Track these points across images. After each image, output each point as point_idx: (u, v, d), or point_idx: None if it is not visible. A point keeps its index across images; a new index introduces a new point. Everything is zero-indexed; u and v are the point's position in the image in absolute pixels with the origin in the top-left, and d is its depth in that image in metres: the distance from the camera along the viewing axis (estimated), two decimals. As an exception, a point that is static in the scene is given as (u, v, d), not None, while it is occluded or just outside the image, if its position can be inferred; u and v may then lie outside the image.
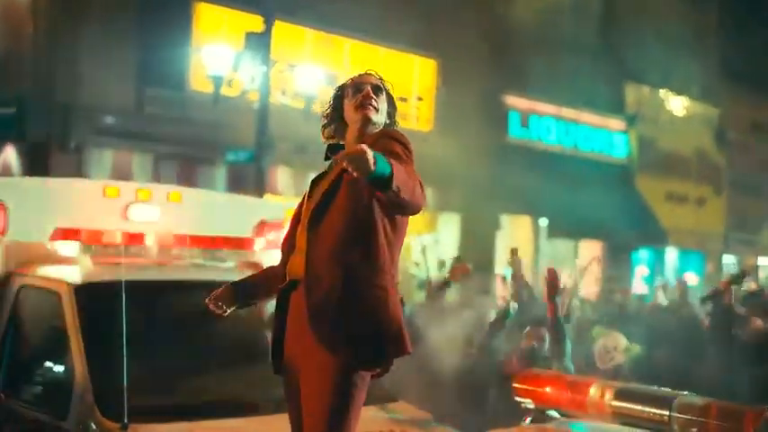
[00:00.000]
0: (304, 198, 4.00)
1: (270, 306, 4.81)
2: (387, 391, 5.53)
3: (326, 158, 4.03)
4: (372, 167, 3.21)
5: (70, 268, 5.90)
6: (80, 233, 5.99)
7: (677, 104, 28.11)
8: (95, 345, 5.31)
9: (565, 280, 7.92)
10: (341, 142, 4.00)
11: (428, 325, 7.43)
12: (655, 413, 4.80)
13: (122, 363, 4.90)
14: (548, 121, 24.05)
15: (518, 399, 5.54)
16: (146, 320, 5.63)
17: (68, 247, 6.03)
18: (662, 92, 27.66)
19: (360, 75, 4.01)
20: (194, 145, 16.48)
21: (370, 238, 3.73)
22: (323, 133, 4.06)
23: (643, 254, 27.13)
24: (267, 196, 14.99)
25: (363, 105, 3.88)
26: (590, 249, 24.16)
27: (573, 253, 24.12)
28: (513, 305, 7.86)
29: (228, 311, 4.18)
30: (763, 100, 30.34)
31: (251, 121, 14.86)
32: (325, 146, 4.07)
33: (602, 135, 25.62)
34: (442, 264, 18.67)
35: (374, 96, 3.91)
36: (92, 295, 5.58)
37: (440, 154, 16.08)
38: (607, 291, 16.29)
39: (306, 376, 3.75)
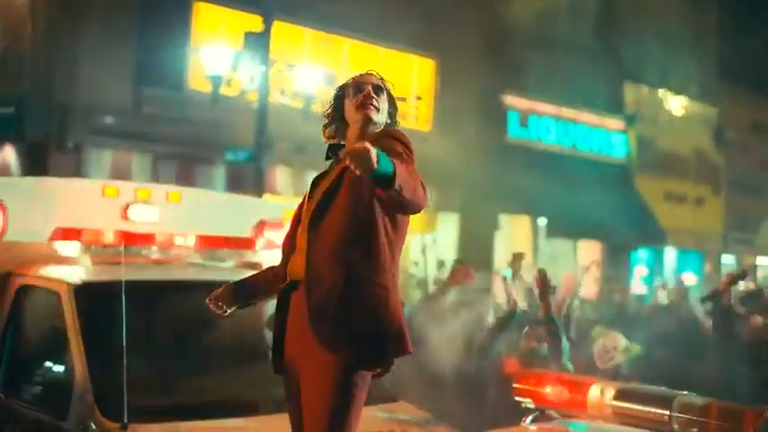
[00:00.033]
0: (304, 198, 4.00)
1: (270, 306, 4.82)
2: (387, 391, 5.52)
3: (327, 158, 4.03)
4: (375, 165, 3.21)
5: (70, 268, 5.90)
6: (80, 233, 5.98)
7: (676, 104, 28.13)
8: (95, 345, 5.31)
9: (567, 282, 7.94)
10: (342, 142, 4.00)
11: (428, 325, 7.43)
12: (655, 413, 4.81)
13: (122, 363, 4.89)
14: (547, 121, 24.05)
15: (518, 399, 5.55)
16: (145, 320, 5.62)
17: (68, 247, 6.03)
18: (661, 92, 27.67)
19: (361, 75, 4.01)
20: (193, 145, 16.48)
21: (371, 237, 3.73)
22: (324, 133, 4.06)
23: (642, 254, 27.14)
24: (266, 196, 14.98)
25: (364, 105, 3.88)
26: (589, 249, 24.17)
27: (572, 253, 24.13)
28: (522, 307, 7.87)
29: (229, 311, 4.18)
30: (762, 100, 30.37)
31: (250, 121, 14.86)
32: (326, 146, 4.07)
33: (601, 135, 25.62)
34: (441, 264, 18.73)
35: (375, 96, 3.90)
36: (91, 295, 5.57)
37: (439, 154, 16.07)
38: (606, 291, 16.30)
39: (306, 376, 3.75)
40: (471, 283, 9.45)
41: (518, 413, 5.52)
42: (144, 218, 6.27)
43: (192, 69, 16.41)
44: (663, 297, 12.09)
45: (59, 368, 5.56)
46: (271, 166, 16.53)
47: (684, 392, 4.86)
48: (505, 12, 20.55)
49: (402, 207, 3.58)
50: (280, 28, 16.04)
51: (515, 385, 5.57)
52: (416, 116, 20.41)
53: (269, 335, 4.95)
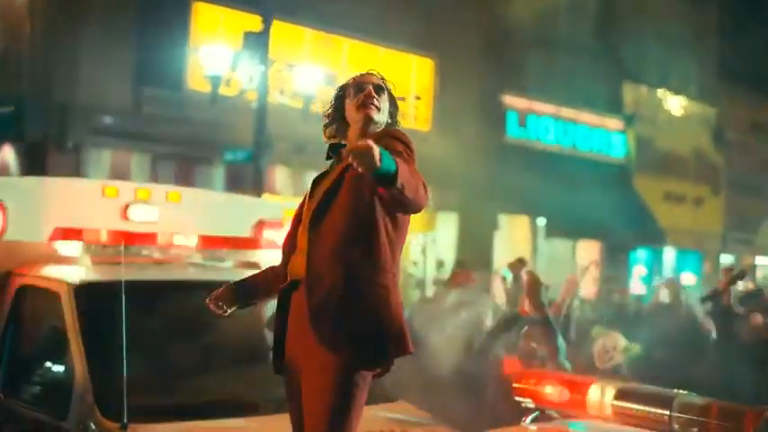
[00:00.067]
0: (305, 198, 4.00)
1: (270, 306, 4.82)
2: (387, 390, 5.52)
3: (328, 158, 4.04)
4: (378, 163, 3.21)
5: (70, 268, 5.89)
6: (79, 233, 5.98)
7: (675, 104, 28.14)
8: (95, 345, 5.30)
9: (567, 282, 7.94)
10: (342, 142, 4.00)
11: (428, 325, 7.44)
12: (655, 413, 4.81)
13: (122, 363, 4.89)
14: (546, 121, 24.06)
15: (518, 399, 5.54)
16: (145, 320, 5.61)
17: (68, 247, 6.02)
18: (660, 92, 27.69)
19: (361, 74, 4.01)
20: (192, 145, 16.48)
21: (372, 236, 3.73)
22: (324, 133, 4.06)
23: (641, 253, 27.15)
24: (265, 196, 14.98)
25: (365, 105, 3.88)
26: (588, 249, 24.18)
27: (571, 253, 24.14)
28: (530, 306, 7.86)
29: (229, 311, 4.18)
30: (762, 100, 30.38)
31: (249, 121, 14.86)
32: (326, 145, 4.07)
33: (601, 135, 25.64)
34: (440, 264, 18.76)
35: (376, 96, 3.90)
36: (91, 295, 5.56)
37: (438, 153, 16.07)
38: (605, 291, 16.32)
39: (307, 376, 3.75)
40: (471, 286, 9.48)
41: (518, 413, 5.52)
42: (144, 218, 6.27)
43: (192, 69, 16.41)
44: (664, 296, 12.08)
45: (59, 368, 5.56)
46: (270, 166, 16.53)
47: (684, 392, 4.85)
48: (505, 12, 20.56)
49: (403, 206, 3.58)
50: (279, 28, 16.03)
51: (515, 385, 5.56)
52: (415, 116, 20.41)
53: (269, 335, 4.96)
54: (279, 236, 6.21)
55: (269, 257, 6.10)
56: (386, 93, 3.98)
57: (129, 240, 6.09)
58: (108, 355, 5.08)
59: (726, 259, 29.46)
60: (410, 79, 20.55)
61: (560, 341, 6.90)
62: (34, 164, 14.95)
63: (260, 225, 6.74)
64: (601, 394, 5.06)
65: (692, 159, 29.09)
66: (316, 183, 3.98)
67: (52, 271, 5.86)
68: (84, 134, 15.64)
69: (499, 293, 11.49)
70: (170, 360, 5.59)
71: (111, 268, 5.73)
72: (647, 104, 27.13)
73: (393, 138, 3.72)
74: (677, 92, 27.89)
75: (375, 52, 19.58)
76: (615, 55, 24.47)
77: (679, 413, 4.69)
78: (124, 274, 5.27)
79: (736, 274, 10.93)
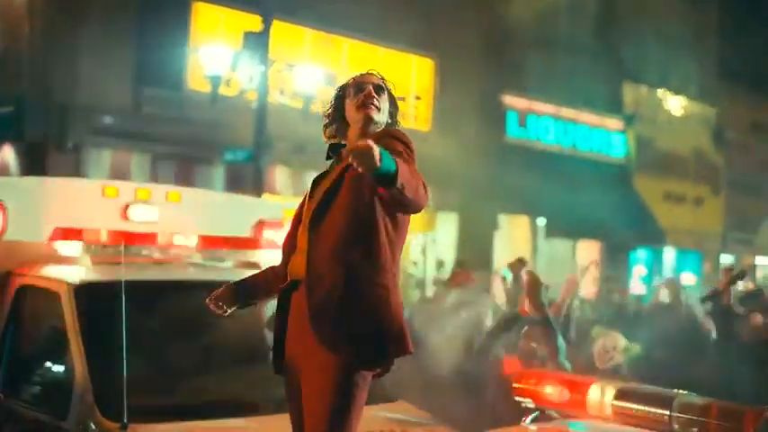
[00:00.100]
0: (305, 198, 3.99)
1: (270, 306, 4.81)
2: (387, 390, 5.52)
3: (328, 158, 4.04)
4: (378, 163, 3.21)
5: (70, 268, 5.89)
6: (79, 233, 5.98)
7: (675, 104, 28.14)
8: (95, 345, 5.30)
9: (568, 282, 7.94)
10: (342, 142, 3.99)
11: (428, 326, 7.44)
12: (655, 413, 4.81)
13: (122, 363, 4.89)
14: (546, 121, 24.06)
15: (518, 399, 5.54)
16: (145, 320, 5.61)
17: (68, 247, 6.02)
18: (660, 92, 27.69)
19: (361, 74, 4.01)
20: (192, 145, 16.48)
21: (372, 236, 3.72)
22: (324, 133, 4.06)
23: (641, 253, 27.15)
24: (265, 196, 14.99)
25: (365, 105, 3.88)
26: (588, 249, 24.18)
27: (571, 253, 24.14)
28: (530, 307, 7.87)
29: (229, 311, 4.18)
30: (762, 100, 30.38)
31: (249, 121, 14.86)
32: (325, 145, 4.07)
33: (601, 135, 25.64)
34: (440, 263, 18.76)
35: (376, 96, 3.90)
36: (91, 295, 5.56)
37: (438, 153, 16.07)
38: (605, 291, 16.32)
39: (307, 376, 3.74)
40: (471, 286, 9.48)
41: (518, 413, 5.52)
42: (144, 218, 6.27)
43: (192, 69, 16.41)
44: (664, 296, 12.08)
45: (59, 368, 5.56)
46: (270, 166, 16.53)
47: (684, 392, 4.85)
48: (505, 11, 20.57)
49: (403, 206, 3.57)
50: (279, 28, 16.03)
51: (515, 385, 5.56)
52: (415, 116, 20.41)
53: (269, 335, 4.95)
54: (279, 236, 6.21)
55: (269, 257, 6.10)
56: (386, 93, 3.98)
57: (129, 240, 6.09)
58: (108, 355, 5.08)
59: (726, 259, 29.46)
60: (410, 79, 20.55)
61: (560, 341, 6.90)
62: (34, 164, 14.96)
63: (260, 225, 6.74)
64: (601, 394, 5.06)
65: (692, 159, 29.09)
66: (316, 183, 3.98)
67: (52, 271, 5.86)
68: (84, 134, 15.64)
69: (499, 293, 11.49)
70: (170, 360, 5.59)
71: (111, 268, 5.73)
72: (647, 104, 27.13)
73: (393, 138, 3.72)
74: (677, 92, 27.90)
75: (375, 52, 19.58)
76: (615, 55, 24.48)
77: (679, 413, 4.69)
78: (124, 274, 5.27)
79: (735, 275, 10.93)
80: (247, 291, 4.20)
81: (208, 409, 5.18)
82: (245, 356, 5.89)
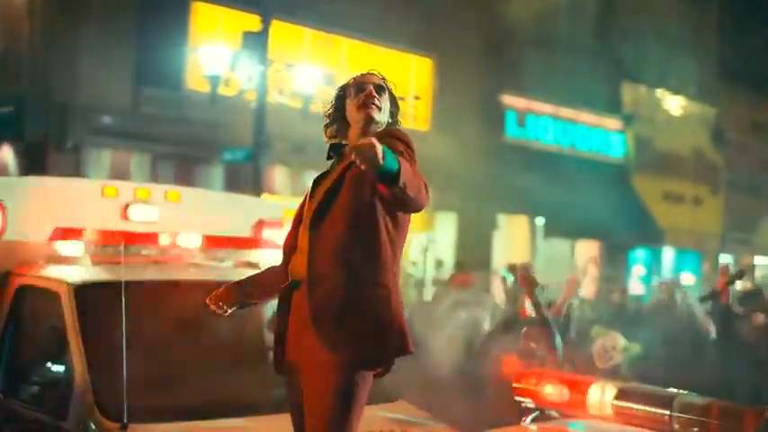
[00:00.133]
0: (305, 198, 3.99)
1: (270, 306, 4.81)
2: (387, 390, 5.52)
3: (329, 158, 4.03)
4: (381, 161, 3.20)
5: (70, 268, 5.88)
6: (79, 233, 5.97)
7: (674, 104, 28.15)
8: (95, 345, 5.30)
9: (568, 282, 7.93)
10: (343, 142, 3.99)
11: (428, 326, 7.43)
12: (655, 413, 4.81)
13: (122, 363, 4.89)
14: (545, 121, 24.06)
15: (518, 399, 5.54)
16: (145, 320, 5.61)
17: (68, 247, 6.02)
18: (659, 91, 27.69)
19: (362, 74, 4.01)
20: (191, 144, 16.48)
21: (373, 236, 3.72)
22: (325, 133, 4.06)
23: (640, 253, 27.14)
24: (264, 196, 14.99)
25: (366, 105, 3.88)
26: (587, 249, 24.17)
27: (570, 253, 24.14)
28: (530, 308, 7.86)
29: (229, 311, 4.18)
30: (762, 100, 30.38)
31: (248, 121, 14.86)
32: (325, 145, 4.07)
33: (600, 135, 25.64)
34: (439, 263, 18.75)
35: (377, 96, 3.91)
36: (91, 295, 5.56)
37: (437, 153, 16.07)
38: (605, 290, 16.29)
39: (308, 376, 3.74)
40: (471, 286, 9.47)
41: (518, 413, 5.52)
42: (143, 218, 6.27)
43: (191, 69, 16.42)
44: (666, 295, 12.09)
45: (59, 368, 5.54)
46: (269, 166, 16.54)
47: (684, 392, 4.86)
48: (504, 11, 20.57)
49: (405, 205, 3.57)
50: (278, 28, 16.04)
51: (515, 385, 5.56)
52: (414, 116, 20.41)
53: (269, 335, 4.95)
54: (279, 236, 6.21)
55: (269, 257, 6.10)
56: (387, 92, 3.98)
57: (129, 240, 6.08)
58: (108, 355, 5.07)
59: (725, 259, 29.45)
60: (409, 79, 20.55)
61: (558, 341, 6.89)
62: (34, 164, 14.95)
63: (260, 225, 6.74)
64: (601, 394, 5.06)
65: (692, 159, 29.09)
66: (316, 183, 3.98)
67: (52, 271, 5.86)
68: (83, 134, 15.64)
69: (499, 294, 11.48)
70: (170, 360, 5.59)
71: (111, 268, 5.73)
72: (647, 104, 27.14)
73: (394, 137, 3.71)
74: (677, 92, 27.90)
75: (374, 52, 19.59)
76: (614, 55, 24.48)
77: (679, 413, 4.70)
78: (124, 274, 5.27)
79: (734, 274, 10.91)
80: (247, 291, 4.20)
81: (208, 409, 5.18)
82: (245, 356, 5.89)
